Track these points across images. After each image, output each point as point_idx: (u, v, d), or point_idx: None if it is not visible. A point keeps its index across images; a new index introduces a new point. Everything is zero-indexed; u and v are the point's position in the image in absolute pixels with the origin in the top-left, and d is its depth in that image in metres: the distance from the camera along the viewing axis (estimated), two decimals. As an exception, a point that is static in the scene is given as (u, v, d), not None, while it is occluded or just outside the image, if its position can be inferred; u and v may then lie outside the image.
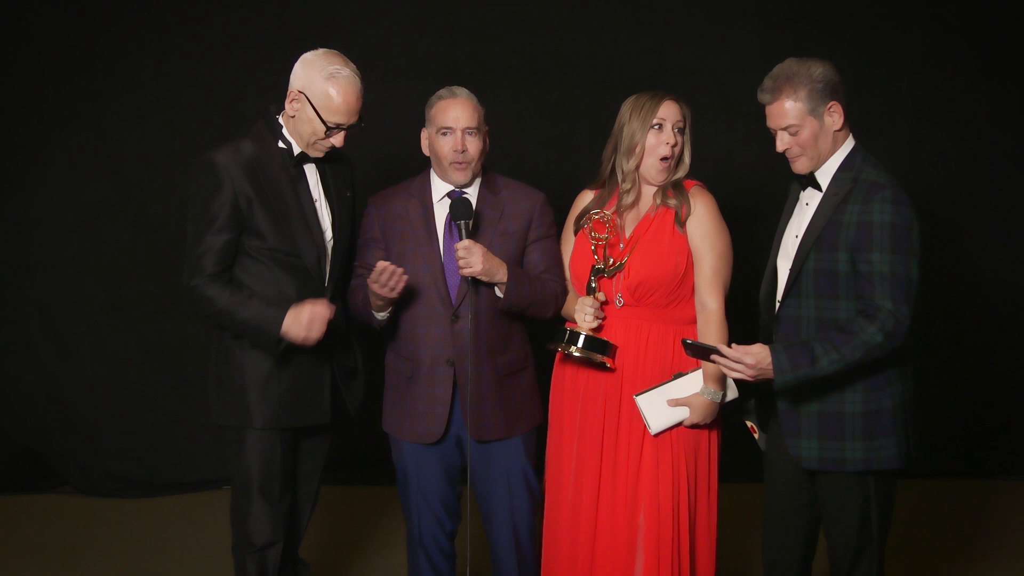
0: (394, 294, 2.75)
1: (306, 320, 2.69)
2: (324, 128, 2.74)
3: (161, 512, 4.50)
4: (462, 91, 2.91)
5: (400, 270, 2.71)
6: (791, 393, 2.61)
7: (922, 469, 4.74)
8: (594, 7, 4.69)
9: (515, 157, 4.23)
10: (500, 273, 2.82)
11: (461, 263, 2.77)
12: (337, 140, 2.77)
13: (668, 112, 2.84)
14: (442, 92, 2.91)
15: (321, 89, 2.72)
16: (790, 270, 2.65)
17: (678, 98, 2.87)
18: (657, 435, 2.83)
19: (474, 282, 2.83)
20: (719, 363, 2.54)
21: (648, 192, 2.92)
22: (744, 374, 2.53)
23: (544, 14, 4.68)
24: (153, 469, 4.70)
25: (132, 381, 4.71)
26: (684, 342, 2.60)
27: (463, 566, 3.10)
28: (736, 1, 4.66)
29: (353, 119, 2.77)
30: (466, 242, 2.77)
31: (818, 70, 2.59)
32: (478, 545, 3.16)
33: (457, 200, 2.83)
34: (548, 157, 4.62)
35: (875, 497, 2.66)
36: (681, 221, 2.83)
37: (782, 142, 2.63)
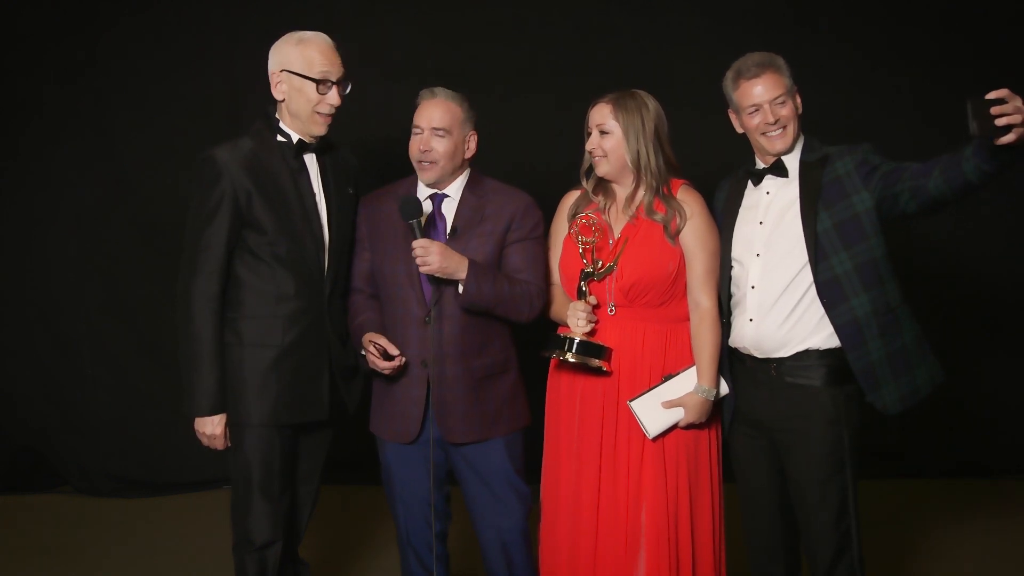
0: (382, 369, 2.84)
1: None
2: (315, 85, 2.77)
3: (161, 512, 4.50)
4: (442, 92, 2.90)
5: (396, 364, 2.81)
6: (858, 349, 2.69)
7: (906, 469, 4.75)
8: (594, 7, 4.70)
9: (514, 158, 4.23)
10: (460, 271, 2.80)
11: (419, 261, 2.77)
12: (332, 97, 2.80)
13: (591, 117, 2.89)
14: (424, 92, 2.92)
15: (296, 54, 2.79)
16: (805, 243, 2.70)
17: (608, 99, 2.86)
18: (655, 439, 2.83)
19: (437, 281, 2.82)
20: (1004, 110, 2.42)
21: (622, 192, 2.91)
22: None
23: (544, 14, 4.68)
24: (153, 469, 4.71)
25: (132, 381, 4.72)
26: (972, 101, 2.46)
27: (460, 566, 3.10)
28: (736, 1, 4.66)
29: (338, 71, 2.81)
30: (422, 240, 2.76)
31: (782, 60, 2.78)
32: (474, 545, 3.16)
33: (405, 199, 2.82)
34: (548, 158, 4.61)
35: (847, 483, 2.72)
36: (671, 235, 2.83)
37: (773, 113, 2.74)
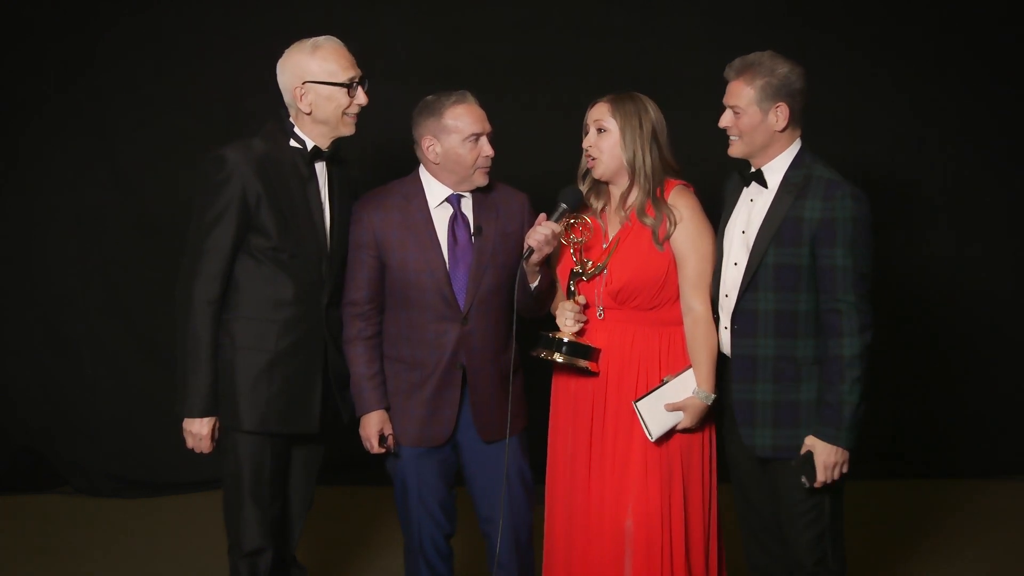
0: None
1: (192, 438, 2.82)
2: (346, 88, 2.77)
3: (161, 512, 4.50)
4: (470, 95, 2.91)
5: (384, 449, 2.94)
6: (746, 383, 2.68)
7: (905, 470, 4.75)
8: (594, 7, 4.70)
9: (514, 158, 4.22)
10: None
11: (543, 240, 2.77)
12: (361, 97, 2.80)
13: (590, 115, 2.87)
14: (453, 96, 2.88)
15: (316, 64, 2.76)
16: (747, 266, 2.66)
17: (607, 99, 2.84)
18: (656, 440, 2.80)
19: (474, 278, 2.85)
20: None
21: (617, 193, 2.89)
22: (835, 475, 2.62)
23: (544, 14, 4.68)
24: (153, 469, 4.70)
25: (132, 381, 4.72)
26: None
27: (459, 565, 3.09)
28: (736, 1, 4.66)
29: (358, 70, 2.81)
30: (558, 227, 2.80)
31: (782, 69, 2.65)
32: (475, 546, 3.16)
33: (574, 188, 2.87)
34: (548, 158, 4.60)
35: (827, 492, 2.67)
36: (659, 241, 2.80)
37: (724, 119, 2.71)
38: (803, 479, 2.63)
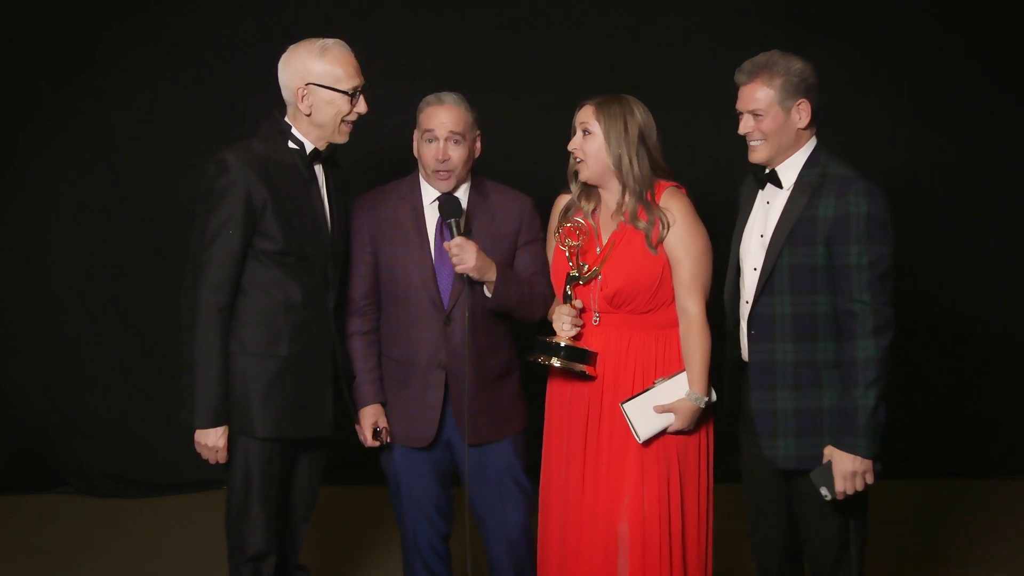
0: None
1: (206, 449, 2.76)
2: (348, 97, 2.74)
3: (161, 512, 4.50)
4: (450, 96, 2.90)
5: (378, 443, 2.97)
6: (765, 391, 2.62)
7: (907, 470, 4.74)
8: (594, 7, 4.69)
9: (514, 158, 4.22)
10: (491, 272, 2.83)
11: (455, 259, 2.78)
12: (361, 106, 2.79)
13: (577, 118, 2.84)
14: (430, 98, 2.91)
15: (322, 68, 2.73)
16: (762, 268, 2.63)
17: (593, 101, 2.82)
18: (645, 443, 2.79)
19: (471, 282, 2.83)
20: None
21: (609, 197, 2.87)
22: (858, 485, 2.54)
23: (544, 14, 4.68)
24: (153, 469, 4.71)
25: (132, 381, 4.72)
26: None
27: (459, 565, 3.10)
28: (735, 1, 4.66)
29: (362, 78, 2.79)
30: (459, 239, 2.78)
31: (797, 65, 2.61)
32: (475, 548, 3.16)
33: (445, 199, 2.85)
34: (548, 158, 4.60)
35: (852, 498, 2.62)
36: (652, 244, 2.78)
37: (745, 125, 2.64)
38: (823, 491, 2.55)
